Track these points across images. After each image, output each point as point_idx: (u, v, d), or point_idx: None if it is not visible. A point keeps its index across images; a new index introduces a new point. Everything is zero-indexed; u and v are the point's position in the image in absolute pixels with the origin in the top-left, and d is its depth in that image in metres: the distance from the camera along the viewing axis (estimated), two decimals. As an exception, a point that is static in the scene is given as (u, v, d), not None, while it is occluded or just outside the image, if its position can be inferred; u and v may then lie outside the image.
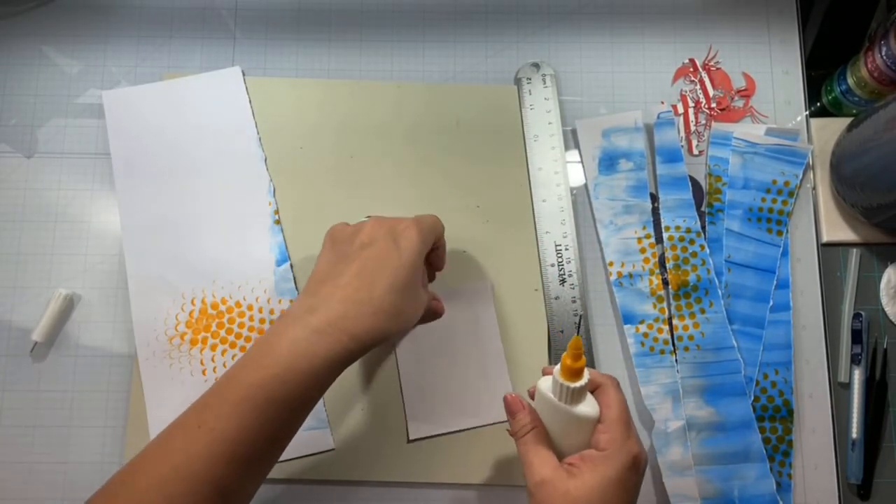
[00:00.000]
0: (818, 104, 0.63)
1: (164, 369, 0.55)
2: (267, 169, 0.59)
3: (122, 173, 0.59)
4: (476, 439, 0.54)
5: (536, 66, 0.61)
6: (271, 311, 0.56)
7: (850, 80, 0.60)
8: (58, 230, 0.59)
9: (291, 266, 0.57)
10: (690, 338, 0.56)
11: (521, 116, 0.60)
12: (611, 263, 0.58)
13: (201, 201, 0.58)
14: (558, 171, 0.59)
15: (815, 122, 0.61)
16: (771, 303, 0.57)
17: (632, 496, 0.40)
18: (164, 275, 0.57)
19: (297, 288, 0.57)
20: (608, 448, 0.40)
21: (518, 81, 0.61)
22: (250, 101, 0.60)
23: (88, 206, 0.59)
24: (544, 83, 0.61)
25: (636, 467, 0.40)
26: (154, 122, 0.60)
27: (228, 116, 0.60)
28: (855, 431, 0.55)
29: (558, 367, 0.41)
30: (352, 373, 0.56)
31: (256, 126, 0.60)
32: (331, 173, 0.59)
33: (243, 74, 0.61)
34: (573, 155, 0.61)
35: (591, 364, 0.56)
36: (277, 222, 0.58)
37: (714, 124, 0.61)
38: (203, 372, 0.55)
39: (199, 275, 0.57)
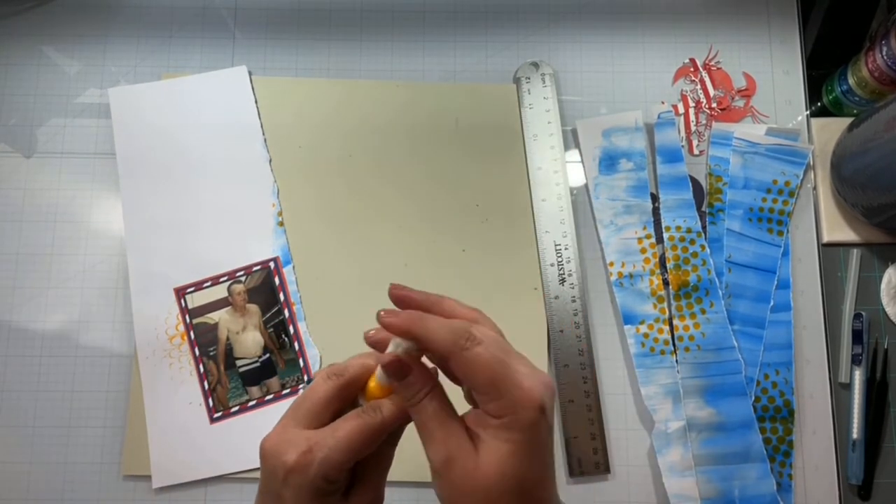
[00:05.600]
0: (819, 104, 0.63)
1: (163, 368, 0.55)
2: (272, 170, 0.59)
3: (127, 171, 0.59)
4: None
5: (536, 65, 0.61)
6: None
7: (851, 80, 0.59)
8: (58, 230, 0.59)
9: (294, 268, 0.57)
10: (691, 338, 0.56)
11: (521, 116, 0.60)
12: (611, 263, 0.57)
13: (205, 201, 0.58)
14: (557, 170, 0.59)
15: (815, 121, 0.61)
16: (771, 303, 0.56)
17: (548, 442, 0.32)
18: (167, 273, 0.57)
19: (298, 290, 0.57)
20: (503, 414, 0.31)
21: (517, 81, 0.61)
22: (256, 102, 0.60)
23: (88, 206, 0.59)
24: (543, 82, 0.61)
25: (542, 414, 0.31)
26: (160, 120, 0.60)
27: (234, 116, 0.60)
28: (855, 432, 0.55)
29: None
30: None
31: (262, 126, 0.60)
32: (330, 173, 0.59)
33: (249, 74, 0.61)
34: (573, 155, 0.61)
35: (590, 365, 0.55)
36: (281, 224, 0.58)
37: (714, 124, 0.61)
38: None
39: (201, 274, 0.57)
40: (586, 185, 0.60)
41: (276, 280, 0.57)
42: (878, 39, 0.57)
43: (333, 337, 0.56)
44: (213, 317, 0.56)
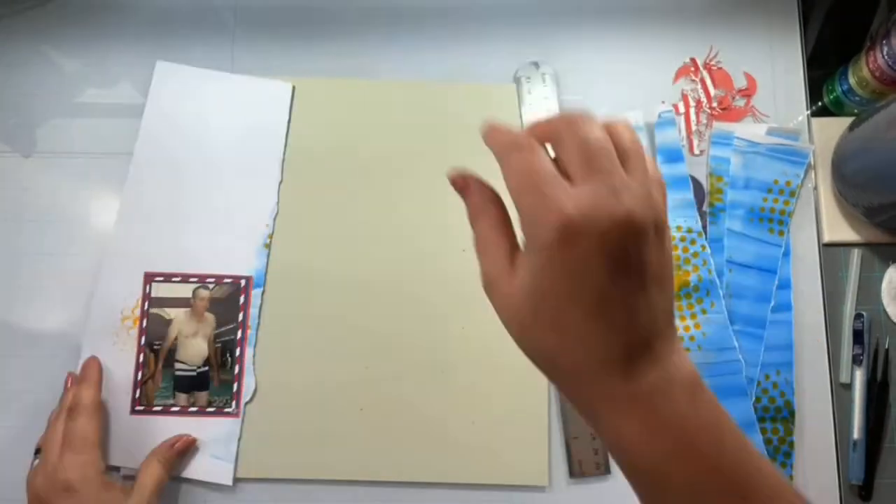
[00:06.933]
0: (819, 104, 0.63)
1: (106, 345, 0.55)
2: (279, 192, 0.59)
3: (145, 145, 0.59)
4: (475, 437, 0.54)
5: (536, 64, 0.61)
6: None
7: (852, 80, 0.59)
8: (58, 230, 0.59)
9: (262, 294, 0.57)
10: (692, 338, 0.56)
11: (521, 116, 0.60)
12: (611, 263, 0.57)
13: (206, 199, 0.58)
14: None
15: (816, 121, 0.61)
16: (772, 303, 0.56)
17: (581, 279, 0.26)
18: (145, 254, 0.57)
19: (259, 316, 0.56)
20: (524, 231, 0.28)
21: (517, 80, 0.61)
22: (290, 122, 0.60)
23: (88, 206, 0.59)
24: (543, 82, 0.60)
25: (565, 238, 0.26)
26: (193, 108, 0.60)
27: (263, 129, 0.59)
28: (856, 432, 0.54)
29: None
30: (349, 373, 0.56)
31: (286, 148, 0.59)
32: (329, 172, 0.59)
33: (293, 91, 0.60)
34: (574, 155, 0.61)
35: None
36: (267, 246, 0.57)
37: (715, 124, 0.61)
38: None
39: (175, 268, 0.57)
40: (587, 185, 0.60)
41: (242, 299, 0.56)
42: (879, 39, 0.56)
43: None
44: (170, 313, 0.56)
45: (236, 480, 0.54)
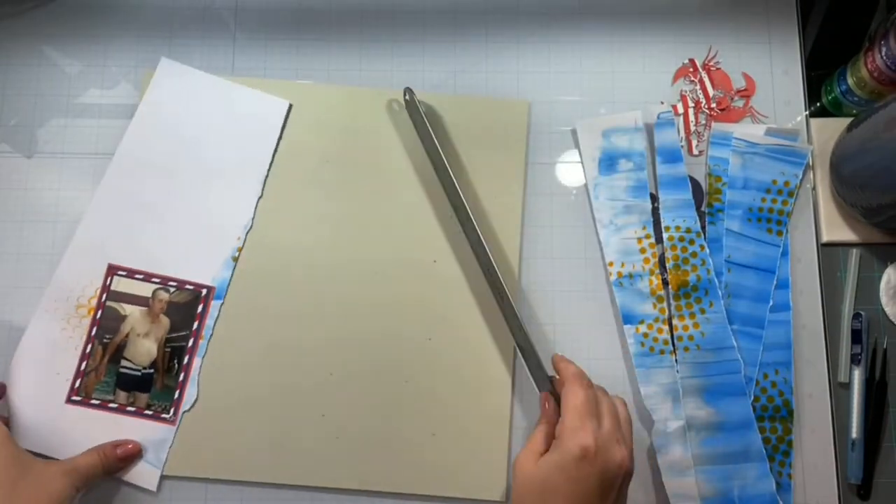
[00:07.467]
0: (818, 104, 0.63)
1: (55, 329, 0.55)
2: (256, 207, 0.58)
3: (133, 138, 0.59)
4: (435, 449, 0.54)
5: (406, 92, 0.58)
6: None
7: (850, 81, 0.60)
8: (58, 230, 0.59)
9: (221, 306, 0.57)
10: (690, 338, 0.56)
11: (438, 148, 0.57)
12: (611, 263, 0.58)
13: (181, 203, 0.58)
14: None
15: (814, 122, 0.61)
16: (771, 303, 0.57)
17: (581, 486, 0.42)
18: (109, 249, 0.57)
19: (213, 328, 0.56)
20: (559, 437, 0.43)
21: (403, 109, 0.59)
22: (280, 140, 0.59)
23: (88, 206, 0.59)
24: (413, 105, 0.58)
25: (584, 458, 0.42)
26: (190, 108, 0.60)
27: (252, 143, 0.59)
28: (855, 431, 0.55)
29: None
30: (300, 388, 0.55)
31: (271, 165, 0.59)
32: (309, 194, 0.59)
33: (289, 110, 0.60)
34: (573, 155, 0.61)
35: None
36: (235, 259, 0.57)
37: (714, 124, 0.61)
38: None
39: (140, 265, 0.57)
40: (586, 186, 0.60)
41: (200, 308, 0.56)
42: (878, 40, 0.57)
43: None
44: (127, 309, 0.56)
45: (163, 478, 0.54)
